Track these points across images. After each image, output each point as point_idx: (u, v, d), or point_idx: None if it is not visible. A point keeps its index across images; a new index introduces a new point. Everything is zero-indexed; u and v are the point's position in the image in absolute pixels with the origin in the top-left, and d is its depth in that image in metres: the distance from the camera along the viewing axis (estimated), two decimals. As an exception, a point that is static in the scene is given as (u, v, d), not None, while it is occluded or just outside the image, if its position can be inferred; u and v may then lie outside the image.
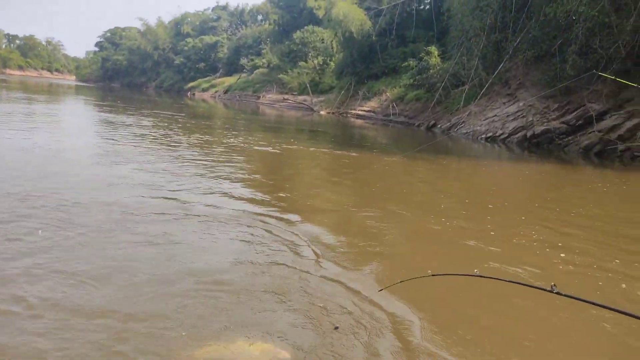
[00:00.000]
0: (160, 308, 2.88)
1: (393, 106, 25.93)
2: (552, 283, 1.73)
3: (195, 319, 2.79)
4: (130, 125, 14.56)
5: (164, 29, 73.73)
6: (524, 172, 10.99)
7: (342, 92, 32.52)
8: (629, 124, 14.54)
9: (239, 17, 69.16)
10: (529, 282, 3.48)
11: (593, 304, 1.71)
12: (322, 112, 32.67)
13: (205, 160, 8.47)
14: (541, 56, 18.25)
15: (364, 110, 28.73)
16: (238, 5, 73.13)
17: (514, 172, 11.26)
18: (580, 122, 15.85)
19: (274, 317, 2.88)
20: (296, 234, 4.46)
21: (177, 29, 72.03)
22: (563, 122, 16.14)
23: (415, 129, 22.11)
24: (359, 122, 26.07)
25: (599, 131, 15.07)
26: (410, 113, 24.59)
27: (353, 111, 29.76)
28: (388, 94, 27.50)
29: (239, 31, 63.71)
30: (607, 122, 15.05)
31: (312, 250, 4.09)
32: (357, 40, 30.16)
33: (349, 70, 32.43)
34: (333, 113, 31.69)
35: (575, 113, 16.14)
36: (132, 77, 75.95)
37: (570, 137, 15.85)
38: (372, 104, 28.73)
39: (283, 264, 3.74)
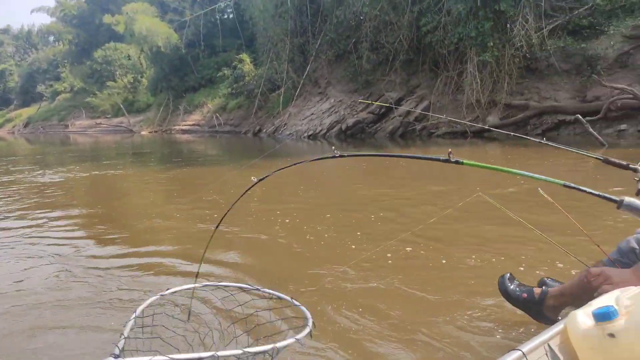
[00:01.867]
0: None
1: (217, 117, 25.97)
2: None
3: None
4: None
5: None
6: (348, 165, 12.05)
7: (162, 108, 31.40)
8: (421, 107, 16.90)
9: (27, 40, 61.44)
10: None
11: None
12: (143, 133, 31.10)
13: (11, 208, 7.26)
14: (341, 55, 20.03)
15: (189, 125, 28.20)
16: (23, 27, 64.59)
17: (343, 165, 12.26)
18: (383, 110, 17.88)
19: None
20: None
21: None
22: (370, 112, 18.03)
23: (242, 136, 22.50)
24: (185, 137, 25.50)
25: (399, 116, 17.22)
26: (235, 121, 24.91)
27: (177, 127, 28.97)
28: (209, 105, 27.41)
29: (29, 55, 56.71)
30: (404, 107, 17.27)
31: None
32: (166, 54, 29.35)
33: (163, 85, 31.43)
34: (156, 132, 30.41)
35: (378, 102, 18.14)
36: None
37: (377, 125, 17.79)
38: (196, 117, 28.35)
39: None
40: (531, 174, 2.08)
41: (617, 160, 2.23)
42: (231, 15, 30.94)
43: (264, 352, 1.44)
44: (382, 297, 2.91)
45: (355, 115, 18.31)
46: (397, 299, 2.90)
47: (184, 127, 28.38)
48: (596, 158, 2.27)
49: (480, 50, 14.39)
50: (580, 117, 10.57)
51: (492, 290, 2.60)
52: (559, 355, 1.59)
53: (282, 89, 21.93)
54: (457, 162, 2.05)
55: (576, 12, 13.68)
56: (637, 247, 1.94)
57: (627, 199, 0.72)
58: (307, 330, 1.56)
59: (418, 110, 16.00)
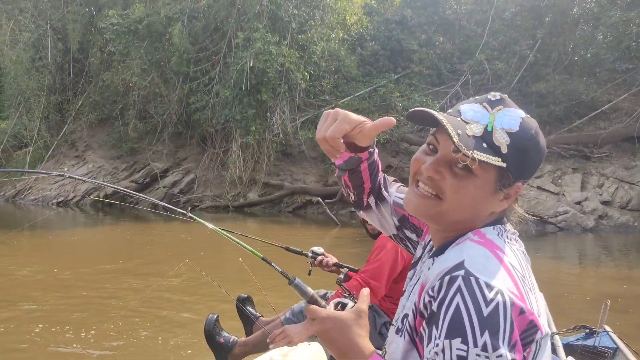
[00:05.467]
0: None
1: None
2: None
3: None
4: None
5: None
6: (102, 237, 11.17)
7: None
8: (187, 179, 17.05)
9: None
10: None
11: None
12: None
13: None
14: (105, 119, 19.03)
15: None
16: None
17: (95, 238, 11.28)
18: (147, 179, 17.38)
19: None
20: None
21: None
22: (132, 181, 17.29)
23: (-30, 200, 18.74)
24: None
25: (164, 187, 16.98)
26: (-39, 181, 20.69)
27: None
28: None
29: None
30: (170, 179, 17.14)
31: None
32: None
33: None
34: None
35: (142, 172, 17.60)
36: None
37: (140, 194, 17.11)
38: None
39: None
40: (245, 245, 2.44)
41: (295, 248, 2.90)
42: (-28, 59, 26.58)
43: None
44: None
45: (117, 183, 17.29)
46: None
47: None
48: (279, 246, 2.92)
49: (244, 133, 15.54)
50: (320, 200, 12.24)
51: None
52: None
53: (31, 147, 19.41)
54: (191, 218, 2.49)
55: (322, 109, 16.16)
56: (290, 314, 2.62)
57: (298, 280, 0.99)
58: None
59: (185, 181, 16.10)
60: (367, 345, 0.95)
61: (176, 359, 4.04)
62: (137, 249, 9.69)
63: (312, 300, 1.06)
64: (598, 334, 2.60)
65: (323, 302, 1.06)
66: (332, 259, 2.79)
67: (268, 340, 2.27)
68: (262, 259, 1.16)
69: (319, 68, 16.55)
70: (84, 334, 4.42)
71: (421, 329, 0.87)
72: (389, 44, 17.68)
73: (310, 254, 2.80)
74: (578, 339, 2.68)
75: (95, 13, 19.87)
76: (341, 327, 0.96)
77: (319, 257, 2.78)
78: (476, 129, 0.91)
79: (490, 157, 0.88)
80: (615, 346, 2.53)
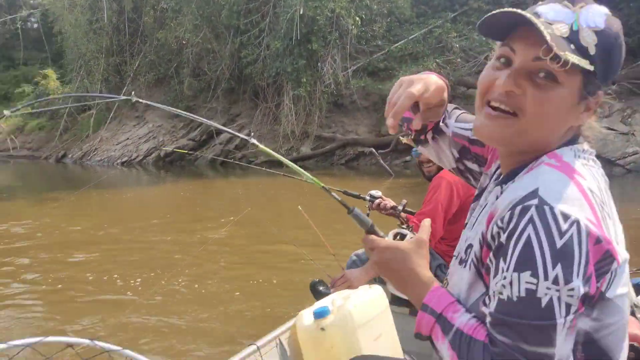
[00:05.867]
0: None
1: (12, 139, 22.65)
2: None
3: None
4: None
5: None
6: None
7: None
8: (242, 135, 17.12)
9: None
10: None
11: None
12: None
13: None
14: (161, 78, 19.34)
15: (-25, 147, 24.02)
16: None
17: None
18: (204, 137, 17.65)
19: None
20: None
21: None
22: (190, 139, 17.63)
23: (43, 162, 19.95)
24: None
25: (220, 143, 17.18)
26: (34, 145, 22.03)
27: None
28: (3, 125, 23.82)
29: None
30: (225, 135, 17.29)
31: None
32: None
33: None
34: None
35: (198, 130, 17.86)
36: None
37: (198, 152, 17.47)
38: (-15, 138, 24.36)
39: None
40: (303, 172, 2.33)
41: (352, 192, 2.88)
42: (36, 25, 27.76)
43: None
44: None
45: (175, 142, 17.71)
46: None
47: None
48: (337, 190, 2.79)
49: (295, 85, 15.26)
50: (374, 150, 11.84)
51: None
52: (287, 347, 1.95)
53: (94, 110, 20.18)
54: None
55: (375, 56, 15.47)
56: (355, 258, 2.69)
57: (357, 210, 0.96)
58: None
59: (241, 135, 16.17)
60: (428, 275, 0.93)
61: (218, 304, 3.98)
62: (196, 203, 9.88)
63: (371, 231, 1.05)
64: (669, 274, 2.40)
65: (382, 233, 1.06)
66: (389, 202, 2.79)
67: (330, 285, 2.39)
68: (323, 187, 1.16)
69: (370, 12, 15.77)
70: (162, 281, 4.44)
71: (488, 260, 0.84)
72: (445, -21, 16.43)
73: (368, 197, 2.83)
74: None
75: (146, -30, 19.86)
76: (401, 257, 0.94)
77: (377, 200, 2.80)
78: (562, 29, 0.82)
79: (581, 59, 0.80)
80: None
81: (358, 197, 2.85)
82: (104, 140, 18.99)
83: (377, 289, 2.08)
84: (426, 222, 1.01)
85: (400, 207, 2.68)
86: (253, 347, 1.87)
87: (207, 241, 5.50)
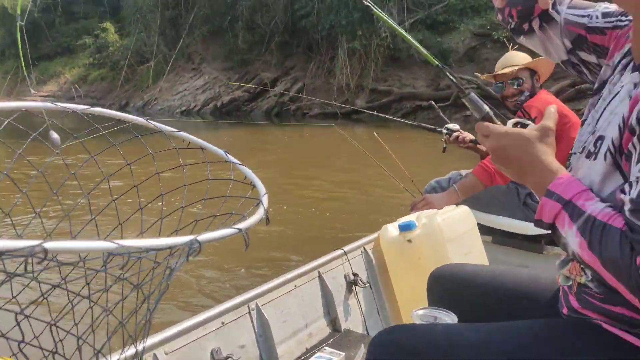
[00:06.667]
0: None
1: (76, 88, 23.84)
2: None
3: None
4: None
5: None
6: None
7: (8, 77, 27.78)
8: (295, 87, 17.49)
9: None
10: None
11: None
12: (-16, 103, 27.21)
13: None
14: (216, 32, 19.72)
15: (42, 96, 25.39)
16: None
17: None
18: (258, 89, 18.09)
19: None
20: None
21: None
22: (245, 91, 18.12)
23: (107, 111, 21.00)
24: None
25: (275, 95, 17.62)
26: (97, 94, 23.12)
27: (28, 98, 25.93)
28: (67, 75, 25.01)
29: None
30: (279, 88, 17.69)
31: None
32: (15, 17, 25.97)
33: (12, 52, 27.83)
34: (0, 103, 26.81)
35: (253, 81, 18.29)
36: None
37: (253, 103, 18.00)
38: (50, 87, 25.67)
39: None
40: (418, 46, 2.61)
41: (428, 125, 2.92)
42: (94, -21, 28.40)
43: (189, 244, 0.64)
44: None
45: (231, 93, 18.27)
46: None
47: (36, 99, 25.49)
48: (412, 124, 3.09)
49: (350, 38, 15.32)
50: (433, 103, 11.83)
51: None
52: (371, 255, 2.14)
53: (152, 62, 20.91)
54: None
55: (434, 8, 15.28)
56: (435, 184, 2.64)
57: (474, 93, 0.94)
58: (259, 213, 0.72)
59: (293, 90, 16.57)
60: (554, 162, 0.81)
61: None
62: (257, 149, 10.41)
63: (487, 118, 0.94)
64: None
65: (498, 122, 0.94)
66: (468, 135, 2.64)
67: (410, 207, 2.29)
68: (438, 66, 1.07)
69: (429, -38, 15.46)
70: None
71: (629, 145, 0.75)
72: None
73: (445, 130, 2.69)
74: None
75: None
76: (523, 143, 0.82)
77: (455, 134, 2.64)
78: None
79: None
80: None
81: (434, 130, 2.78)
82: (163, 90, 19.77)
83: (464, 208, 2.11)
84: (552, 109, 0.87)
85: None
86: (340, 251, 1.99)
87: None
